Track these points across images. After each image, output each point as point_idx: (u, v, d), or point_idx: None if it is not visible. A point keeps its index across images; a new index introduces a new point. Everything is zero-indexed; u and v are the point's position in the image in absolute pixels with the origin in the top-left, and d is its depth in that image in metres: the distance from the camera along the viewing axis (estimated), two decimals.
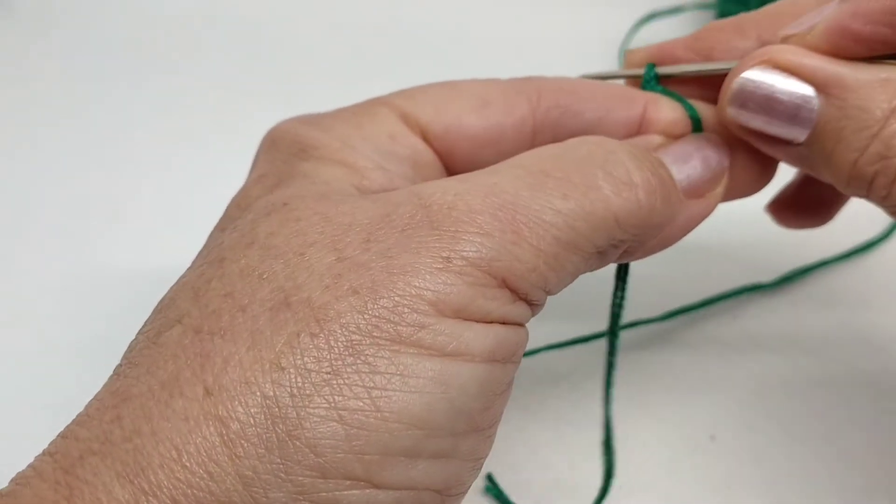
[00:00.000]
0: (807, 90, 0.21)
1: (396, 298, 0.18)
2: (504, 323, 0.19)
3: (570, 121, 0.24)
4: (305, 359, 0.17)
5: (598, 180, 0.20)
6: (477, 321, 0.18)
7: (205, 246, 0.21)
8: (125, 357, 0.19)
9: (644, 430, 0.31)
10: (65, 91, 0.47)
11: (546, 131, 0.23)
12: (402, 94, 0.24)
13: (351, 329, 0.17)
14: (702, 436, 0.30)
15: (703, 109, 0.25)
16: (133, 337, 0.20)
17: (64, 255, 0.37)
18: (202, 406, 0.17)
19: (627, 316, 0.33)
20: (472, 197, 0.19)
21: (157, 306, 0.20)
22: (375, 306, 0.17)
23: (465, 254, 0.18)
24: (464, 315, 0.18)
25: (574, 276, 0.20)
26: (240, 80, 0.48)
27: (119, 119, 0.45)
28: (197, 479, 0.16)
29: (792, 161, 0.23)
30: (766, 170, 0.25)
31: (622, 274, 0.27)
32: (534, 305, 0.20)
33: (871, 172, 0.20)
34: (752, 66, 0.22)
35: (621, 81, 0.27)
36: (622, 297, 0.27)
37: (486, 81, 0.24)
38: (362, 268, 0.18)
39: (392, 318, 0.17)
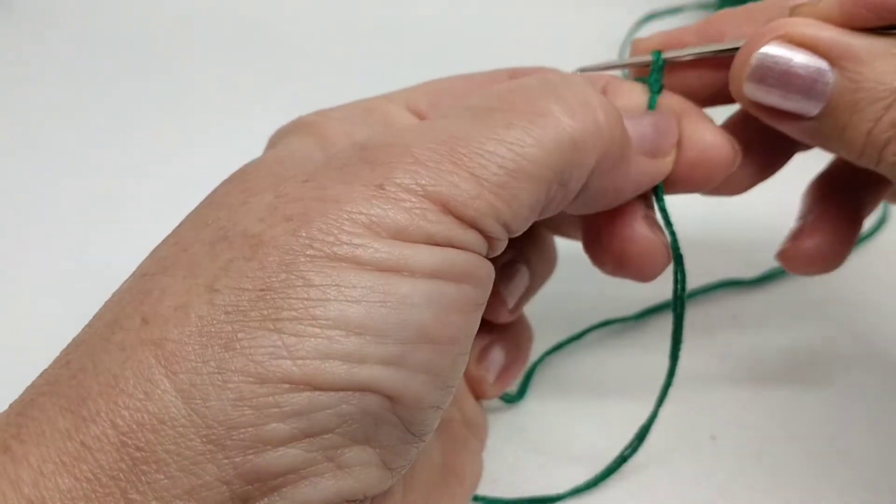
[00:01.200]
0: (822, 64, 0.21)
1: (330, 221, 0.18)
2: (452, 246, 0.19)
3: None
4: (239, 279, 0.18)
5: (548, 105, 0.20)
6: (419, 242, 0.18)
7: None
8: (98, 317, 0.20)
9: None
10: (65, 91, 0.47)
11: None
12: (407, 89, 0.25)
13: (284, 249, 0.18)
14: (702, 436, 0.30)
15: (675, 102, 0.25)
16: None
17: (63, 253, 0.37)
18: (139, 334, 0.17)
19: (607, 313, 0.34)
20: (410, 135, 0.19)
21: None
22: (309, 228, 0.18)
23: (398, 181, 0.18)
24: (402, 237, 0.18)
25: (535, 209, 0.20)
26: (240, 80, 0.48)
27: (119, 119, 0.45)
28: (134, 401, 0.17)
29: (802, 135, 0.23)
30: (761, 170, 0.25)
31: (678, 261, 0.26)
32: (491, 239, 0.20)
33: (884, 140, 0.21)
34: (768, 41, 0.22)
35: (619, 72, 0.27)
36: (683, 277, 0.26)
37: (476, 74, 0.26)
38: (296, 200, 0.19)
39: (326, 239, 0.18)
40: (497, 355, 0.28)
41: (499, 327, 0.29)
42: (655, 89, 0.25)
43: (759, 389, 0.32)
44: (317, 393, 0.17)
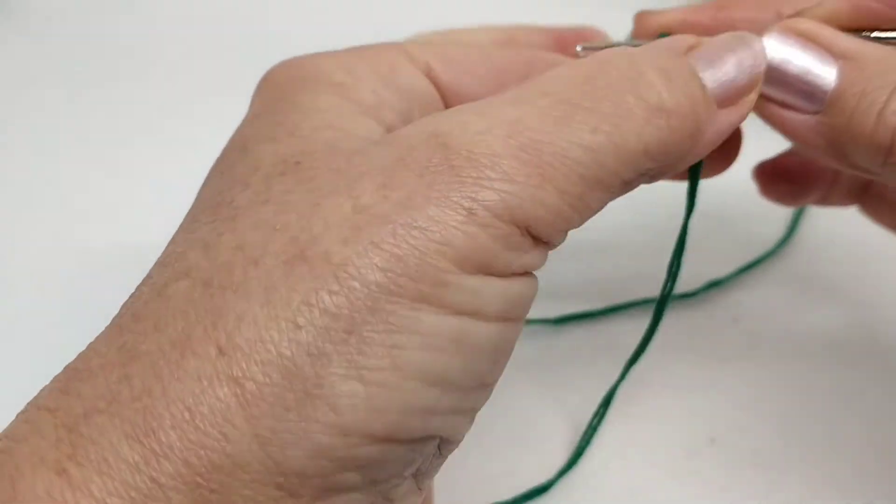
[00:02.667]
0: (826, 56, 0.21)
1: (419, 255, 0.17)
2: (522, 274, 0.18)
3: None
4: (324, 317, 0.16)
5: (629, 107, 0.19)
6: (497, 276, 0.18)
7: (203, 193, 0.21)
8: (126, 308, 0.18)
9: (643, 433, 0.30)
10: (64, 92, 0.47)
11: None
12: (410, 40, 0.24)
13: (371, 286, 0.17)
14: (701, 439, 0.30)
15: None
16: None
17: (63, 253, 0.37)
18: (215, 366, 0.16)
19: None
20: (493, 138, 0.18)
21: (160, 260, 0.19)
22: (396, 263, 0.17)
23: (488, 204, 0.17)
24: (485, 270, 0.18)
25: (596, 212, 0.19)
26: (241, 81, 0.47)
27: (119, 120, 0.45)
28: (211, 441, 0.16)
29: (809, 134, 0.22)
30: (731, 150, 0.25)
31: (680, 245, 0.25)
32: (552, 247, 0.19)
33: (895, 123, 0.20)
34: (773, 35, 0.22)
35: None
36: (678, 267, 0.26)
37: (491, 42, 0.24)
38: (382, 220, 0.17)
39: (414, 276, 0.17)
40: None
41: None
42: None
43: (759, 392, 0.32)
44: (393, 445, 0.17)
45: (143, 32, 0.51)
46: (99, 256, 0.37)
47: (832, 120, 0.21)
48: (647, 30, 0.26)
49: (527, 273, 0.19)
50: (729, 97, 0.21)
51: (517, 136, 0.18)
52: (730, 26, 0.24)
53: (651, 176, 0.20)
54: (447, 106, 0.23)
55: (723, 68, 0.21)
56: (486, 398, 0.19)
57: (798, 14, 0.23)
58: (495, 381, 0.19)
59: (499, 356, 0.19)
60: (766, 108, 0.22)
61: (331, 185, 0.18)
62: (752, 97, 0.22)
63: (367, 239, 0.17)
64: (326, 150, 0.19)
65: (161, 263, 0.19)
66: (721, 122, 0.21)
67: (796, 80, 0.21)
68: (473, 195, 0.17)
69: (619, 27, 0.49)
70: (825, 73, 0.21)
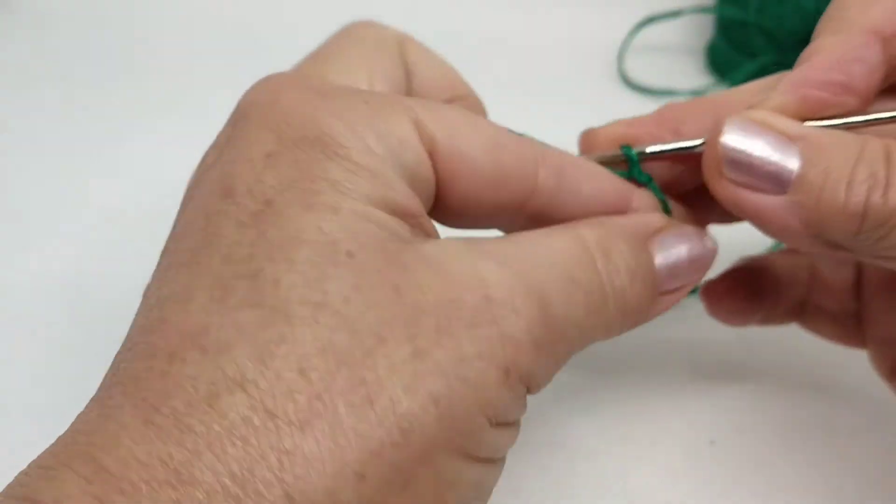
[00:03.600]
0: (785, 139, 0.22)
1: (466, 412, 0.18)
2: (517, 424, 0.21)
3: (567, 194, 0.23)
4: (386, 470, 0.17)
5: (608, 301, 0.22)
6: (507, 426, 0.20)
7: (214, 233, 0.19)
8: (163, 403, 0.17)
9: (643, 435, 0.30)
10: (64, 90, 0.47)
11: (543, 195, 0.23)
12: (423, 102, 0.22)
13: (428, 440, 0.18)
14: (702, 441, 0.30)
15: (673, 205, 0.26)
16: None
17: (62, 254, 0.37)
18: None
19: None
20: (528, 299, 0.20)
21: (186, 329, 0.18)
22: (450, 419, 0.18)
23: (521, 368, 0.19)
24: (503, 423, 0.19)
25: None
26: (240, 82, 0.47)
27: (118, 120, 0.45)
28: None
29: (780, 218, 0.23)
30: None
31: None
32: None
33: (865, 191, 0.21)
34: (733, 125, 0.23)
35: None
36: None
37: (503, 129, 0.23)
38: (439, 371, 0.18)
39: (461, 430, 0.18)
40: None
41: None
42: (646, 180, 0.25)
43: (759, 394, 0.32)
44: None
45: (142, 32, 0.51)
46: (98, 256, 0.37)
47: (802, 198, 0.22)
48: (593, 146, 0.26)
49: (514, 424, 0.21)
50: (675, 282, 0.24)
51: (544, 306, 0.20)
52: (676, 131, 0.25)
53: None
54: (438, 192, 0.22)
55: (677, 255, 0.24)
56: None
57: (750, 107, 0.23)
58: None
59: (490, 492, 0.20)
60: (737, 197, 0.23)
61: (390, 310, 0.18)
62: (689, 287, 0.25)
63: (425, 391, 0.18)
64: (377, 248, 0.19)
65: (195, 344, 0.17)
66: (662, 307, 0.24)
67: (761, 164, 0.22)
68: (513, 357, 0.19)
69: (617, 31, 0.50)
70: (787, 154, 0.22)
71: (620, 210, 0.24)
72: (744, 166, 0.22)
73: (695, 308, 0.35)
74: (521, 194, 0.23)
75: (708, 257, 0.25)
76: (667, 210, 0.26)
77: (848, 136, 0.22)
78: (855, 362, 0.33)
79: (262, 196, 0.19)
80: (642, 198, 0.25)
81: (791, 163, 0.22)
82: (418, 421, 0.17)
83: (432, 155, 0.21)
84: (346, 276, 0.18)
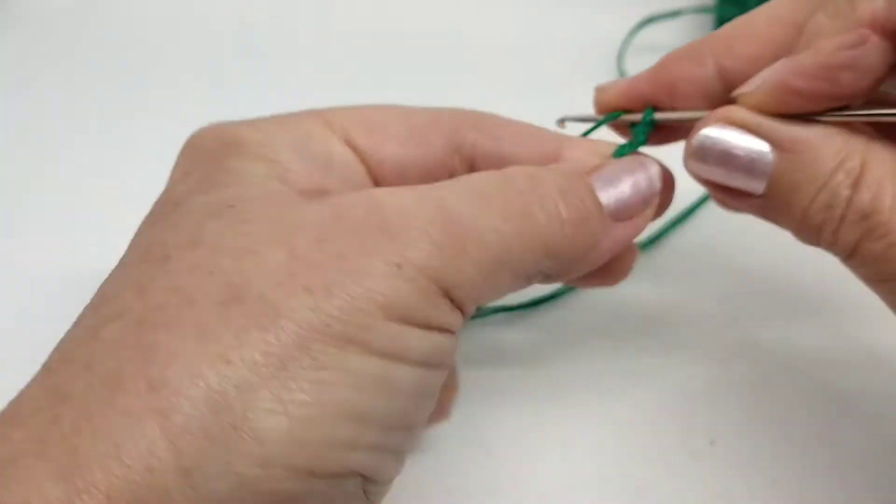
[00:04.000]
0: (762, 146, 0.22)
1: (348, 299, 0.18)
2: (440, 330, 0.20)
3: (490, 146, 0.25)
4: (253, 353, 0.17)
5: (533, 208, 0.21)
6: (418, 327, 0.19)
7: (135, 242, 0.21)
8: (57, 352, 0.19)
9: (643, 434, 0.30)
10: (63, 92, 0.47)
11: (466, 150, 0.25)
12: (331, 108, 0.25)
13: (301, 325, 0.18)
14: (701, 440, 0.30)
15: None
16: None
17: (61, 254, 0.37)
18: (145, 401, 0.17)
19: None
20: (424, 207, 0.20)
21: (91, 302, 0.20)
22: (328, 305, 0.18)
23: (416, 262, 0.19)
24: (408, 320, 0.19)
25: (501, 295, 0.22)
26: (239, 84, 0.48)
27: (117, 120, 0.45)
28: (135, 475, 0.16)
29: (754, 212, 0.24)
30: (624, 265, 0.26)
31: None
32: (465, 316, 0.21)
33: (819, 220, 0.21)
34: (710, 124, 0.23)
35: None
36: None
37: (411, 108, 0.25)
38: (316, 267, 0.18)
39: (342, 318, 0.18)
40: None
41: None
42: (641, 140, 0.25)
43: (759, 394, 0.32)
44: (313, 479, 0.17)
45: (142, 32, 0.51)
46: (98, 256, 0.37)
47: (771, 205, 0.23)
48: (607, 101, 0.27)
49: (447, 330, 0.20)
50: (624, 213, 0.23)
51: (444, 211, 0.20)
52: (671, 89, 0.26)
53: (547, 276, 0.23)
54: (370, 171, 0.24)
55: (619, 187, 0.23)
56: (412, 441, 0.20)
57: (734, 101, 0.23)
58: (419, 424, 0.20)
59: (422, 399, 0.20)
60: (706, 184, 0.24)
61: (267, 233, 0.19)
62: (648, 213, 0.24)
63: (300, 284, 0.18)
64: (261, 198, 0.21)
65: (93, 307, 0.20)
66: (617, 235, 0.23)
67: (739, 164, 0.23)
68: (403, 252, 0.19)
69: (616, 31, 0.49)
70: (760, 165, 0.22)
71: (550, 160, 0.25)
72: (716, 163, 0.23)
73: (695, 308, 0.35)
74: (444, 152, 0.24)
75: (653, 184, 0.24)
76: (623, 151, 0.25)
77: (824, 150, 0.21)
78: (856, 363, 0.33)
79: (173, 201, 0.22)
80: (575, 147, 0.25)
81: (761, 175, 0.22)
82: (288, 307, 0.18)
83: (350, 142, 0.24)
84: (224, 220, 0.20)
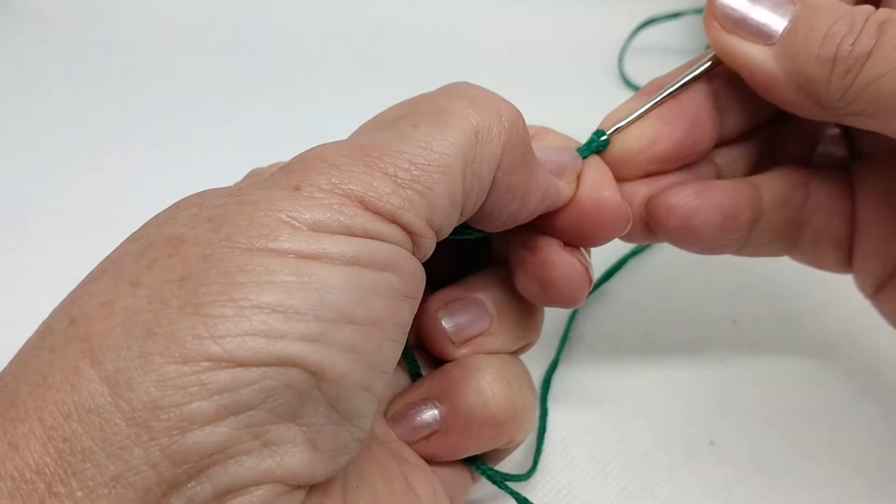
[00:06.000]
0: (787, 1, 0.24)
1: (248, 219, 0.19)
2: (372, 238, 0.20)
3: None
4: (161, 273, 0.18)
5: (451, 102, 0.21)
6: (337, 233, 0.19)
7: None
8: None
9: (643, 434, 0.30)
10: (63, 91, 0.47)
11: None
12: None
13: (203, 244, 0.19)
14: (701, 440, 0.30)
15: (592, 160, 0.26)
16: None
17: (60, 254, 0.37)
18: (66, 333, 0.18)
19: None
20: (325, 148, 0.21)
21: None
22: (229, 225, 0.19)
23: (313, 182, 0.19)
24: (320, 228, 0.19)
25: (454, 201, 0.21)
26: (238, 83, 0.48)
27: (117, 120, 0.45)
28: (61, 395, 0.17)
29: (769, 62, 0.24)
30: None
31: None
32: (413, 234, 0.20)
33: (836, 43, 0.23)
34: None
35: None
36: None
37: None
38: (218, 207, 0.20)
39: (246, 233, 0.19)
40: (427, 414, 0.25)
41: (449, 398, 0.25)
42: (585, 155, 0.26)
43: (759, 394, 0.32)
44: (239, 369, 0.17)
45: (142, 32, 0.51)
46: (98, 256, 0.37)
47: (785, 49, 0.24)
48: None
49: (381, 239, 0.20)
50: (549, 168, 0.24)
51: (345, 144, 0.21)
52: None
53: (504, 181, 0.22)
54: None
55: (545, 149, 0.25)
56: (366, 340, 0.19)
57: None
58: (370, 321, 0.19)
59: (362, 295, 0.19)
60: (728, 44, 0.25)
61: (189, 202, 0.21)
62: (567, 186, 0.25)
63: (202, 218, 0.19)
64: (201, 191, 0.22)
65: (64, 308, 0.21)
66: (550, 178, 0.24)
67: (754, 19, 0.24)
68: (300, 178, 0.20)
69: (618, 32, 0.50)
70: (782, 12, 0.24)
71: None
72: (736, 15, 0.25)
73: (695, 307, 0.35)
74: None
75: (575, 156, 0.25)
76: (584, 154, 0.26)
77: (844, 3, 0.24)
78: (856, 363, 0.33)
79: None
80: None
81: (783, 20, 0.24)
82: (190, 235, 0.19)
83: None
84: (167, 210, 0.21)
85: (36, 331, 0.19)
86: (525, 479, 0.28)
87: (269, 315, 0.18)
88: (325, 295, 0.18)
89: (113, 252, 0.21)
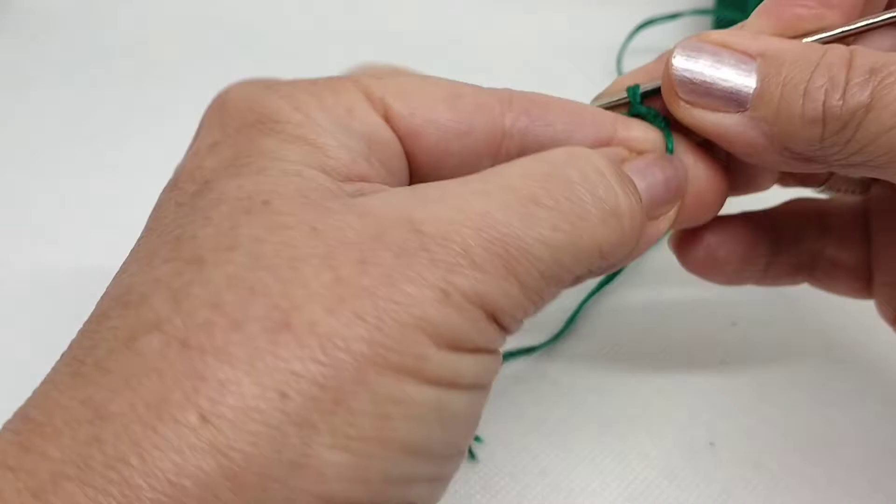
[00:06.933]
0: (742, 56, 0.22)
1: (400, 329, 0.17)
2: (488, 352, 0.19)
3: (540, 132, 0.23)
4: (312, 387, 0.16)
5: (587, 208, 0.20)
6: (468, 352, 0.19)
7: (158, 219, 0.20)
8: (85, 351, 0.18)
9: (643, 436, 0.30)
10: (63, 92, 0.47)
11: (514, 137, 0.23)
12: (373, 74, 0.23)
13: (357, 357, 0.17)
14: (701, 441, 0.30)
15: (678, 139, 0.24)
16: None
17: (60, 255, 0.37)
18: (198, 435, 0.16)
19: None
20: (465, 229, 0.19)
21: (112, 294, 0.19)
22: (380, 335, 0.17)
23: (462, 289, 0.18)
24: (457, 346, 0.18)
25: (547, 304, 0.21)
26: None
27: (117, 121, 0.45)
28: None
29: (746, 132, 0.22)
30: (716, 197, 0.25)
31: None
32: (510, 332, 0.20)
33: (822, 95, 0.21)
34: (681, 49, 0.23)
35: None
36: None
37: (459, 82, 0.23)
38: (365, 293, 0.17)
39: (396, 348, 0.17)
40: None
41: None
42: (662, 125, 0.24)
43: (759, 395, 0.32)
44: None
45: (142, 33, 0.51)
46: (98, 256, 0.37)
47: (762, 113, 0.22)
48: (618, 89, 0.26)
49: (493, 351, 0.19)
50: (652, 210, 0.23)
51: (487, 230, 0.19)
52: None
53: (594, 272, 0.22)
54: (407, 151, 0.22)
55: (649, 180, 0.22)
56: (459, 465, 0.20)
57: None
58: (467, 448, 0.20)
59: (471, 423, 0.19)
60: (695, 118, 0.23)
61: (307, 246, 0.18)
62: (672, 214, 0.23)
63: (350, 311, 0.17)
64: (298, 195, 0.19)
65: (120, 302, 0.18)
66: (653, 232, 0.23)
67: (716, 84, 0.22)
68: (447, 278, 0.18)
69: (616, 33, 0.50)
70: (745, 72, 0.22)
71: (604, 143, 0.23)
72: (698, 88, 0.22)
73: (695, 306, 0.35)
74: (491, 139, 0.22)
75: (681, 178, 0.23)
76: (669, 144, 0.24)
77: (810, 47, 0.22)
78: (856, 363, 0.33)
79: (202, 178, 0.20)
80: (631, 128, 0.24)
81: (749, 80, 0.22)
82: (342, 338, 0.17)
83: (390, 119, 0.22)
84: (260, 220, 0.18)
85: (126, 379, 0.17)
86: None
87: (409, 458, 0.18)
88: (451, 431, 0.18)
89: (212, 283, 0.18)
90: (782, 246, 0.28)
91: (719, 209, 0.25)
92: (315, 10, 0.53)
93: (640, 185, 0.22)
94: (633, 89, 0.25)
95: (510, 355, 0.32)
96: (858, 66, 0.21)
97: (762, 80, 0.22)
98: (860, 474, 0.29)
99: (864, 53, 0.21)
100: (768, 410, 0.31)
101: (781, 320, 0.35)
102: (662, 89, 0.23)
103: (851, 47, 0.21)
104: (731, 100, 0.22)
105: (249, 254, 0.18)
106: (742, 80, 0.22)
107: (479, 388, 0.19)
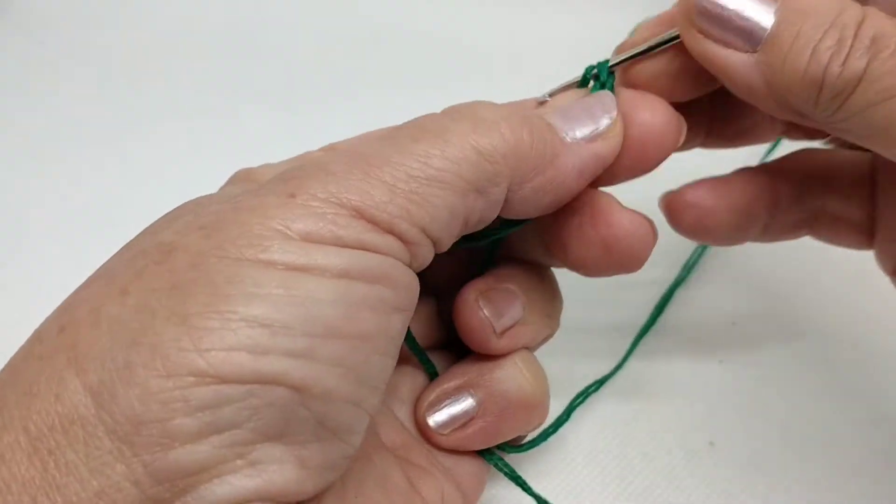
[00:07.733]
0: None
1: (241, 226, 0.18)
2: (365, 249, 0.19)
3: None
4: (149, 281, 0.18)
5: (452, 123, 0.21)
6: (329, 244, 0.19)
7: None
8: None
9: (643, 436, 0.30)
10: (63, 92, 0.47)
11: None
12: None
13: (193, 252, 0.18)
14: (701, 442, 0.30)
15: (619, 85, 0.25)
16: None
17: (60, 256, 0.37)
18: (55, 342, 0.18)
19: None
20: (322, 154, 0.21)
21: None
22: (220, 235, 0.18)
23: (310, 190, 0.19)
24: (312, 239, 0.19)
25: (455, 215, 0.21)
26: (238, 84, 0.48)
27: (116, 121, 0.45)
28: (45, 405, 0.17)
29: (749, 74, 0.22)
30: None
31: None
32: (410, 244, 0.20)
33: (827, 57, 0.21)
34: None
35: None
36: None
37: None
38: (211, 213, 0.19)
39: (236, 242, 0.18)
40: (465, 402, 0.25)
41: (484, 382, 0.25)
42: (601, 83, 0.25)
43: (758, 395, 0.32)
44: (224, 386, 0.17)
45: (142, 34, 0.51)
46: (98, 257, 0.37)
47: (769, 58, 0.22)
48: (639, 39, 0.26)
49: (374, 251, 0.19)
50: (573, 123, 0.23)
51: (345, 153, 0.21)
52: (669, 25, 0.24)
53: (525, 188, 0.22)
54: None
55: (569, 113, 0.23)
56: (353, 353, 0.19)
57: None
58: (354, 334, 0.19)
59: (350, 309, 0.19)
60: (706, 50, 0.23)
61: (185, 210, 0.21)
62: (613, 136, 0.23)
63: (194, 225, 0.19)
64: (199, 198, 0.22)
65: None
66: (582, 152, 0.23)
67: (734, 18, 0.22)
68: (297, 186, 0.19)
69: (617, 32, 0.50)
70: (764, 12, 0.22)
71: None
72: (716, 19, 0.22)
73: (695, 309, 0.35)
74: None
75: (605, 102, 0.24)
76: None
77: (831, 1, 0.21)
78: (855, 363, 0.33)
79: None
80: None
81: (765, 21, 0.22)
82: (181, 243, 0.19)
83: None
84: (162, 218, 0.21)
85: (28, 338, 0.19)
86: (526, 450, 0.28)
87: (254, 329, 0.17)
88: (312, 309, 0.18)
89: (108, 259, 0.21)
90: (783, 203, 0.28)
91: (671, 147, 0.24)
92: (315, 11, 0.53)
93: (557, 117, 0.23)
94: (588, 68, 0.26)
95: None
96: (863, 33, 0.21)
97: (778, 25, 0.21)
98: (860, 474, 0.29)
99: (874, 18, 0.21)
100: (768, 410, 0.31)
101: (781, 320, 0.35)
102: (678, 14, 0.23)
103: (866, 8, 0.21)
104: (745, 37, 0.22)
105: (141, 233, 0.21)
106: (760, 17, 0.22)
107: (356, 279, 0.19)
